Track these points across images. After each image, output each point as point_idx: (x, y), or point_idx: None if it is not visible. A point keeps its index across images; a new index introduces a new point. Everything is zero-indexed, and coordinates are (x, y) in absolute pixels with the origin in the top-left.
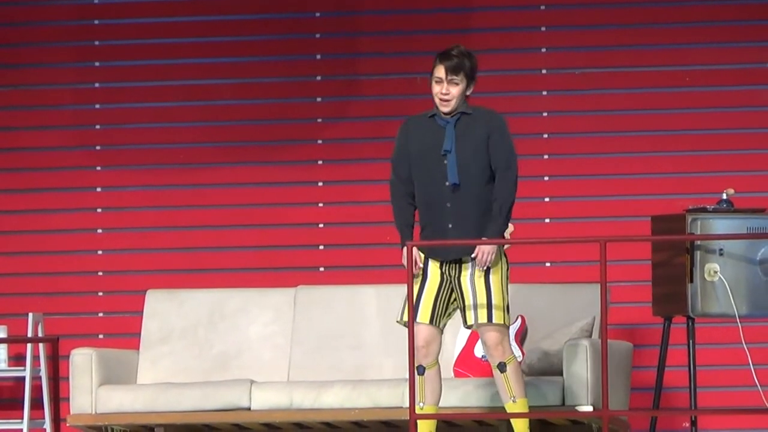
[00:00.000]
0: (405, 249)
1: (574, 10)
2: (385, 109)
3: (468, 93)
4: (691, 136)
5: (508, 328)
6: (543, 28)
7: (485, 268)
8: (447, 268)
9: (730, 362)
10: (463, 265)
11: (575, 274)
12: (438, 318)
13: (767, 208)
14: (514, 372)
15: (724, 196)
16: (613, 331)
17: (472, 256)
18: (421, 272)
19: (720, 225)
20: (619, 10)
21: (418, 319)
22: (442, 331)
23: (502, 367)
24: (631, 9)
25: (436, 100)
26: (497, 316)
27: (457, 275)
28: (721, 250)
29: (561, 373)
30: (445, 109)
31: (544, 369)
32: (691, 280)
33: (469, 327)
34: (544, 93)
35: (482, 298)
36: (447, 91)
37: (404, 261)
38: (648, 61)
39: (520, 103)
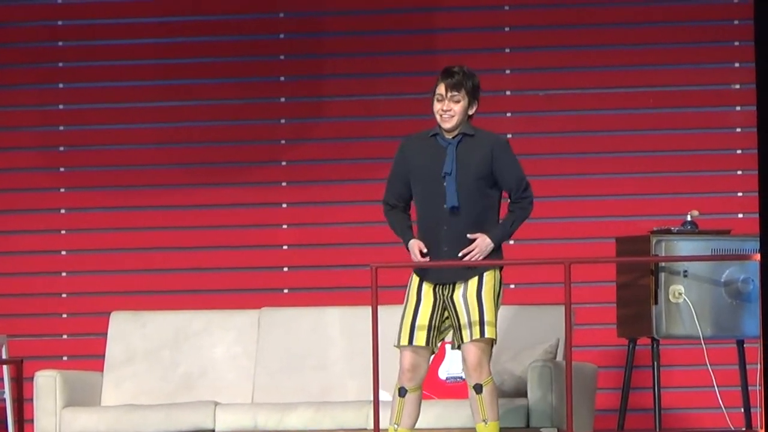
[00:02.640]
0: (410, 243)
1: (538, 31)
2: (349, 130)
3: (471, 113)
4: (656, 158)
5: (492, 346)
6: (507, 50)
7: (474, 256)
8: (440, 289)
9: (695, 384)
10: (456, 285)
11: (540, 296)
12: (434, 340)
13: (732, 229)
14: (490, 394)
15: (689, 218)
16: (577, 353)
17: (469, 236)
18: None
19: (684, 247)
20: (584, 32)
21: (414, 342)
22: (433, 353)
23: (478, 388)
24: (595, 30)
25: (438, 117)
26: (489, 331)
27: (450, 295)
28: (685, 271)
29: (525, 395)
30: (447, 125)
31: (509, 391)
32: (656, 302)
33: (458, 347)
34: (509, 114)
35: (475, 316)
36: (448, 107)
37: (413, 255)
38: (612, 83)
39: (484, 124)
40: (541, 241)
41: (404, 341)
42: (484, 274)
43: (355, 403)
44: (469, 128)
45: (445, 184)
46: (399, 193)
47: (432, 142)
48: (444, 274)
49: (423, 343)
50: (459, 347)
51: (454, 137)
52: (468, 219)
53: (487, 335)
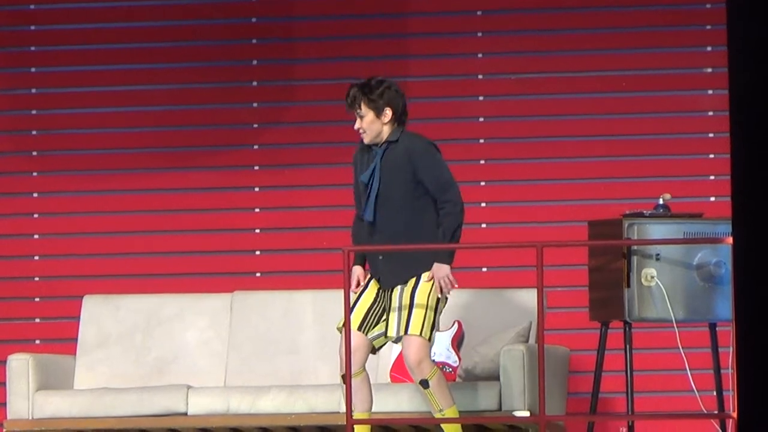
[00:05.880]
0: (354, 269)
1: (510, 15)
2: (321, 114)
3: (385, 120)
4: (628, 141)
5: (429, 342)
6: (479, 34)
7: (449, 293)
8: (382, 291)
9: (667, 367)
10: (395, 289)
11: (512, 279)
12: (367, 327)
13: (704, 212)
14: (438, 385)
15: (661, 201)
16: (549, 336)
17: (426, 280)
18: (360, 289)
19: (657, 230)
20: (555, 16)
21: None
22: (373, 348)
23: (424, 384)
24: (567, 14)
25: None
26: (414, 326)
27: (389, 295)
28: (657, 255)
29: (498, 378)
30: (366, 141)
31: (481, 374)
32: (628, 285)
33: (395, 340)
34: (481, 98)
35: (405, 310)
36: (358, 125)
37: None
38: (584, 66)
39: (456, 108)
40: (514, 225)
41: (339, 324)
42: (423, 274)
43: (327, 386)
44: (396, 135)
45: (368, 194)
46: (356, 199)
47: (369, 151)
48: (385, 281)
49: (355, 327)
50: (393, 341)
51: (380, 146)
52: (395, 229)
53: (410, 331)
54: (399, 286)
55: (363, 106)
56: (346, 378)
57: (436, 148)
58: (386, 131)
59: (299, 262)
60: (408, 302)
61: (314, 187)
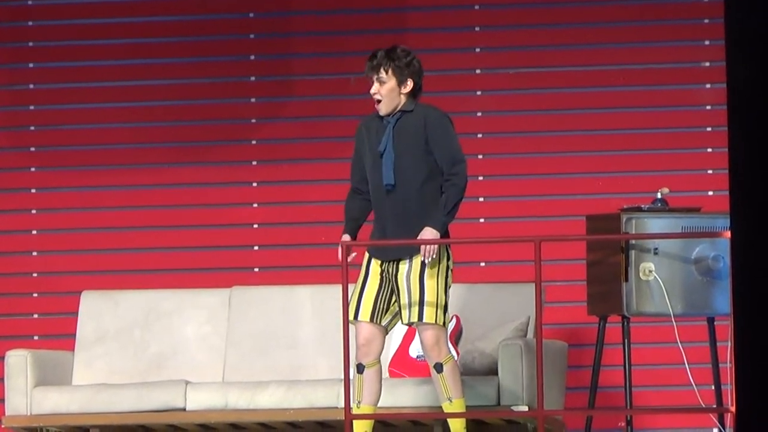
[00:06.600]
0: (342, 238)
1: (508, 10)
2: (319, 109)
3: (405, 91)
4: (626, 136)
5: (444, 327)
6: (477, 28)
7: (431, 259)
8: (386, 267)
9: (666, 361)
10: (401, 264)
11: (510, 274)
12: (379, 316)
13: (702, 207)
14: (451, 373)
15: (659, 196)
16: (548, 331)
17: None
18: (363, 267)
19: (655, 224)
20: (553, 10)
21: (359, 317)
22: (386, 330)
23: (438, 367)
24: (565, 8)
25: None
26: (428, 315)
27: (394, 273)
28: (656, 249)
29: (496, 373)
30: (380, 109)
31: (480, 369)
32: (626, 280)
33: (408, 325)
34: (479, 93)
35: (415, 296)
36: (376, 90)
37: (339, 256)
38: (582, 61)
39: (454, 103)
40: (512, 219)
41: (350, 316)
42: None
43: (326, 381)
44: (409, 105)
45: (382, 162)
46: (360, 175)
47: (378, 122)
48: (388, 252)
49: (367, 318)
50: (405, 325)
51: (393, 115)
52: (406, 195)
53: (425, 319)
54: (405, 266)
55: (388, 72)
56: (344, 374)
57: (451, 121)
58: (402, 102)
59: (298, 257)
60: (418, 288)
61: (312, 182)
